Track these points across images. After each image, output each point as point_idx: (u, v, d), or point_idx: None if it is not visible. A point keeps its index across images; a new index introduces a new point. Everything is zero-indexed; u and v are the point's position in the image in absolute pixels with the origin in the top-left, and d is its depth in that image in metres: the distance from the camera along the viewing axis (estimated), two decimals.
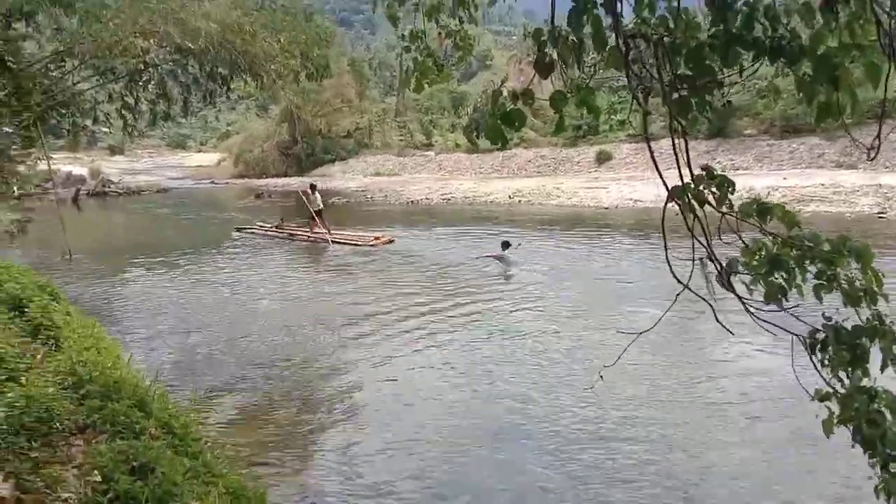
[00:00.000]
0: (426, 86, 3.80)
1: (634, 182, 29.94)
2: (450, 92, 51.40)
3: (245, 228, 24.45)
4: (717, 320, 2.77)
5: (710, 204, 2.73)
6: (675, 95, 2.59)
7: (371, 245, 20.54)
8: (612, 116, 38.52)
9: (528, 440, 8.09)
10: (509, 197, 30.55)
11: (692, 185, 2.65)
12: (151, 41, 12.24)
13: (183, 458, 4.67)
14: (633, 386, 9.26)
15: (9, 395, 5.19)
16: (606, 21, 2.53)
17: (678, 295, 2.94)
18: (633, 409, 8.71)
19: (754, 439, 7.82)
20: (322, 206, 22.73)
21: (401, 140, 49.07)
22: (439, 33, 3.86)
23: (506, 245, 17.36)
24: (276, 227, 23.77)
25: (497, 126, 2.66)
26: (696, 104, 2.59)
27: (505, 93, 2.68)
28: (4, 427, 4.81)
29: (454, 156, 43.52)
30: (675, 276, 2.86)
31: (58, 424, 5.06)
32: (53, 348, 6.98)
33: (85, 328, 7.98)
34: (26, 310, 7.79)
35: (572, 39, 2.51)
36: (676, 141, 2.70)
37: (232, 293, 15.89)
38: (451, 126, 48.40)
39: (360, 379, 10.15)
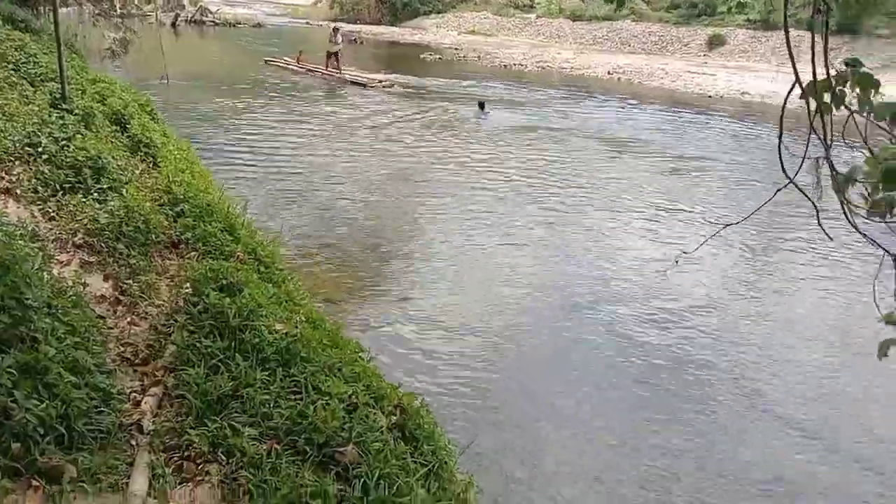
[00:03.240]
0: None
1: (745, 73, 28.07)
2: None
3: (271, 61, 25.84)
4: (819, 224, 2.67)
5: (845, 107, 2.54)
6: None
7: (373, 85, 22.61)
8: None
9: (596, 318, 8.26)
10: (608, 72, 29.22)
11: (830, 82, 2.45)
12: None
13: (267, 284, 4.97)
14: (707, 276, 9.26)
15: (111, 203, 5.57)
16: None
17: (779, 189, 2.85)
18: (700, 299, 8.76)
19: (810, 357, 7.76)
20: (341, 47, 24.57)
21: None
22: None
23: (482, 105, 19.75)
24: (297, 60, 25.20)
25: None
26: None
27: None
28: (106, 232, 5.20)
29: (556, 21, 41.37)
30: (783, 170, 2.75)
31: (153, 237, 5.44)
32: (151, 165, 7.35)
33: (180, 150, 8.32)
34: (128, 125, 8.15)
35: None
36: (813, 31, 2.49)
37: (316, 133, 16.16)
38: None
39: (438, 237, 10.40)
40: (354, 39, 36.54)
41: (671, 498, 5.55)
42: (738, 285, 9.34)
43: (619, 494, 5.55)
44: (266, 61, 26.11)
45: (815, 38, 2.47)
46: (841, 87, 2.39)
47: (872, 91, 2.41)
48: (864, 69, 2.43)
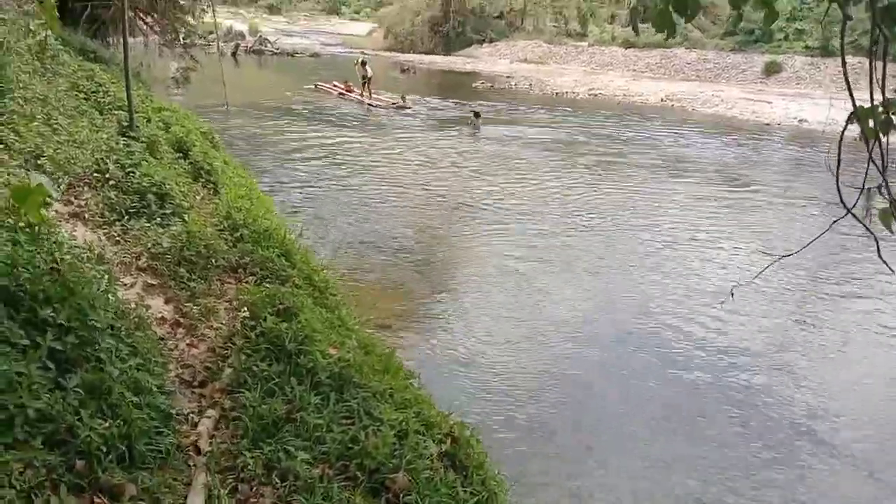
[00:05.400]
0: None
1: (803, 100, 27.49)
2: None
3: (321, 86, 28.62)
4: (880, 255, 2.60)
5: None
6: (883, 2, 2.32)
7: (391, 106, 25.34)
8: (791, 23, 34.96)
9: (647, 347, 8.13)
10: (662, 99, 28.99)
11: (882, 108, 2.41)
12: None
13: (322, 310, 5.04)
14: (763, 308, 9.03)
15: (173, 228, 5.75)
16: None
17: (836, 221, 2.78)
18: (754, 332, 8.52)
19: (868, 393, 7.49)
20: (370, 75, 26.76)
21: (554, 27, 47.02)
22: None
23: (476, 115, 22.05)
24: (346, 88, 27.99)
25: (667, 12, 2.47)
26: None
27: None
28: (168, 256, 5.37)
29: (608, 49, 41.36)
30: (841, 201, 2.69)
31: (213, 261, 5.58)
32: (212, 192, 7.57)
33: (239, 177, 8.54)
34: (189, 153, 8.41)
35: None
36: (872, 58, 2.45)
37: (377, 161, 16.40)
38: (610, 17, 45.69)
39: (487, 262, 10.41)
40: (407, 69, 37.14)
41: None
42: (793, 317, 9.08)
43: None
44: (316, 86, 28.40)
45: (874, 65, 2.43)
46: (891, 113, 2.34)
47: None
48: None
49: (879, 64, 2.72)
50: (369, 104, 25.91)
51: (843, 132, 2.51)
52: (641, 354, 7.98)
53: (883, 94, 2.37)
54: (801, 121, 24.54)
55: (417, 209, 12.78)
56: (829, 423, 6.84)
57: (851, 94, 2.44)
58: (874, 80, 2.33)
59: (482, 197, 13.69)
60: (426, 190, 14.10)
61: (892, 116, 2.40)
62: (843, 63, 2.66)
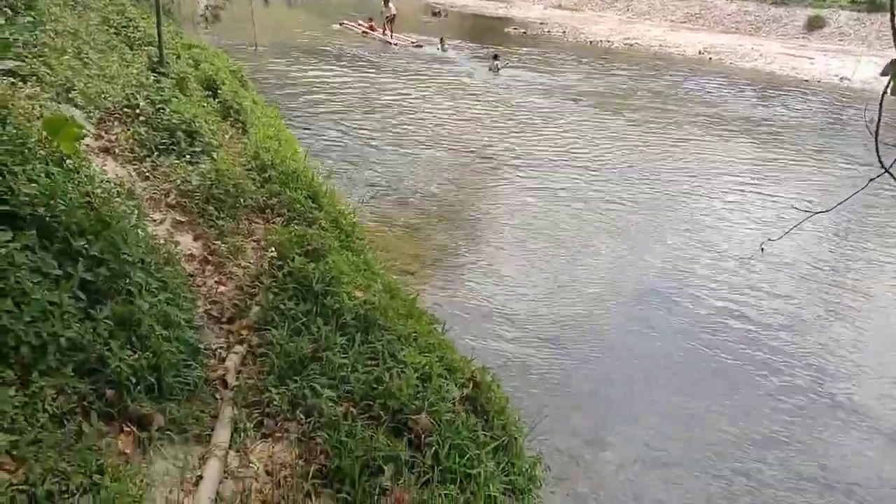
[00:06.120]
0: None
1: (845, 57, 26.55)
2: None
3: (344, 23, 28.32)
4: None
5: None
6: None
7: (410, 45, 25.25)
8: None
9: (672, 305, 8.09)
10: (699, 52, 28.18)
11: None
12: None
13: (348, 253, 5.06)
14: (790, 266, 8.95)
15: (202, 166, 5.77)
16: None
17: (872, 180, 2.71)
18: (783, 291, 8.44)
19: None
20: (395, 13, 26.23)
21: None
22: None
23: (495, 56, 21.77)
24: (370, 27, 27.34)
25: None
26: None
27: None
28: (197, 194, 5.39)
29: None
30: (879, 159, 2.60)
31: (241, 201, 5.60)
32: (240, 131, 7.56)
33: (268, 117, 8.51)
34: (219, 91, 8.38)
35: None
36: None
37: (397, 103, 16.25)
38: None
39: (510, 210, 10.35)
40: (438, 12, 36.41)
41: (734, 489, 5.42)
42: (823, 277, 8.95)
43: (689, 486, 5.45)
44: (341, 23, 28.30)
45: None
46: None
47: None
48: None
49: None
50: (390, 42, 25.66)
51: (885, 90, 2.41)
52: (666, 312, 7.92)
53: None
54: (842, 78, 23.76)
55: (442, 158, 12.66)
56: (855, 387, 6.79)
57: None
58: None
59: (509, 147, 13.52)
60: (451, 137, 13.95)
61: None
62: (893, 16, 2.53)
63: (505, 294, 7.94)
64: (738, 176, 12.74)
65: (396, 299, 4.72)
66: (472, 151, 13.06)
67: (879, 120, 2.63)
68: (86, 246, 3.31)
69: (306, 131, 12.77)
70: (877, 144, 2.66)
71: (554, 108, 17.12)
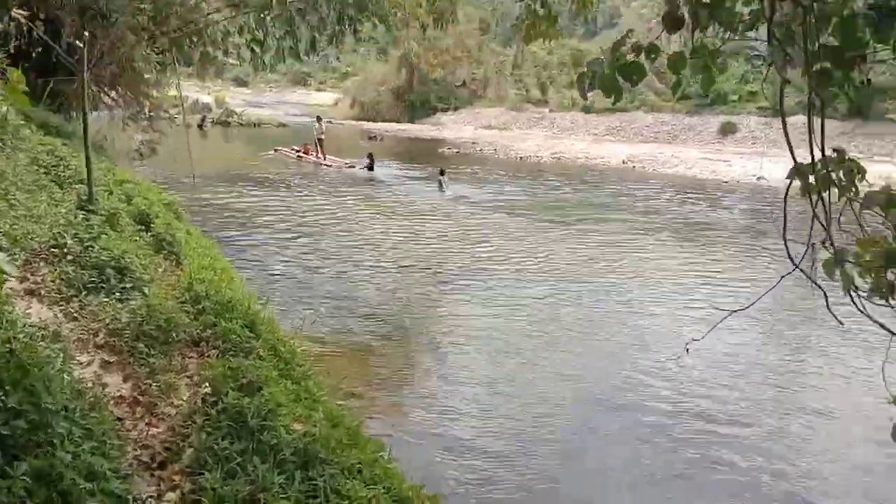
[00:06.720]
0: (542, 38, 3.70)
1: (759, 158, 28.38)
2: (570, 49, 49.83)
3: (279, 149, 29.18)
4: (828, 308, 2.64)
5: (837, 187, 2.57)
6: (817, 67, 2.42)
7: (344, 166, 26.27)
8: (743, 86, 36.36)
9: (618, 411, 8.09)
10: (623, 161, 29.70)
11: (819, 166, 2.50)
12: None
13: (287, 382, 4.92)
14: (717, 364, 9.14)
15: (132, 303, 5.62)
16: None
17: (784, 277, 2.84)
18: (712, 389, 8.60)
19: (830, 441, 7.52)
20: (324, 135, 27.89)
21: (516, 94, 48.22)
22: None
23: (442, 172, 22.60)
24: (305, 151, 28.46)
25: (613, 78, 2.54)
26: (839, 79, 2.42)
27: (628, 44, 2.56)
28: (127, 332, 5.23)
29: (569, 115, 42.42)
30: (789, 256, 2.75)
31: (174, 335, 5.44)
32: (174, 264, 7.45)
33: (203, 248, 8.44)
34: (152, 225, 8.31)
35: None
36: (812, 117, 2.55)
37: (339, 224, 16.40)
38: (569, 83, 46.98)
39: (458, 325, 10.35)
40: (374, 136, 37.62)
41: None
42: (753, 371, 9.18)
43: None
44: (275, 150, 29.12)
45: (813, 125, 2.53)
46: (826, 171, 2.43)
47: (859, 176, 2.44)
48: (849, 156, 2.48)
49: (829, 124, 2.82)
50: (322, 164, 26.67)
51: (787, 190, 2.57)
52: (616, 416, 7.92)
53: (822, 151, 2.45)
54: (759, 178, 25.26)
55: (388, 272, 12.74)
56: (814, 480, 6.81)
57: (792, 153, 2.52)
58: (813, 140, 2.41)
59: (452, 259, 13.72)
60: (395, 252, 14.10)
61: (831, 173, 2.48)
62: (784, 123, 2.75)
63: (455, 412, 7.81)
64: (670, 277, 13.15)
65: (339, 427, 4.57)
66: (419, 267, 13.18)
67: (785, 221, 2.80)
68: (3, 398, 3.14)
69: (244, 259, 12.71)
70: (785, 243, 2.81)
71: (497, 221, 17.60)
